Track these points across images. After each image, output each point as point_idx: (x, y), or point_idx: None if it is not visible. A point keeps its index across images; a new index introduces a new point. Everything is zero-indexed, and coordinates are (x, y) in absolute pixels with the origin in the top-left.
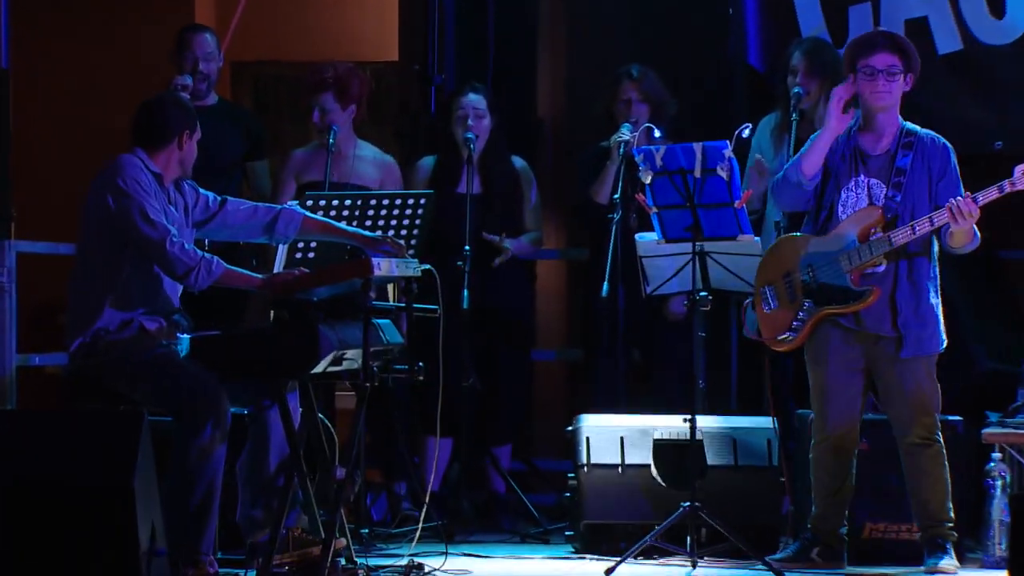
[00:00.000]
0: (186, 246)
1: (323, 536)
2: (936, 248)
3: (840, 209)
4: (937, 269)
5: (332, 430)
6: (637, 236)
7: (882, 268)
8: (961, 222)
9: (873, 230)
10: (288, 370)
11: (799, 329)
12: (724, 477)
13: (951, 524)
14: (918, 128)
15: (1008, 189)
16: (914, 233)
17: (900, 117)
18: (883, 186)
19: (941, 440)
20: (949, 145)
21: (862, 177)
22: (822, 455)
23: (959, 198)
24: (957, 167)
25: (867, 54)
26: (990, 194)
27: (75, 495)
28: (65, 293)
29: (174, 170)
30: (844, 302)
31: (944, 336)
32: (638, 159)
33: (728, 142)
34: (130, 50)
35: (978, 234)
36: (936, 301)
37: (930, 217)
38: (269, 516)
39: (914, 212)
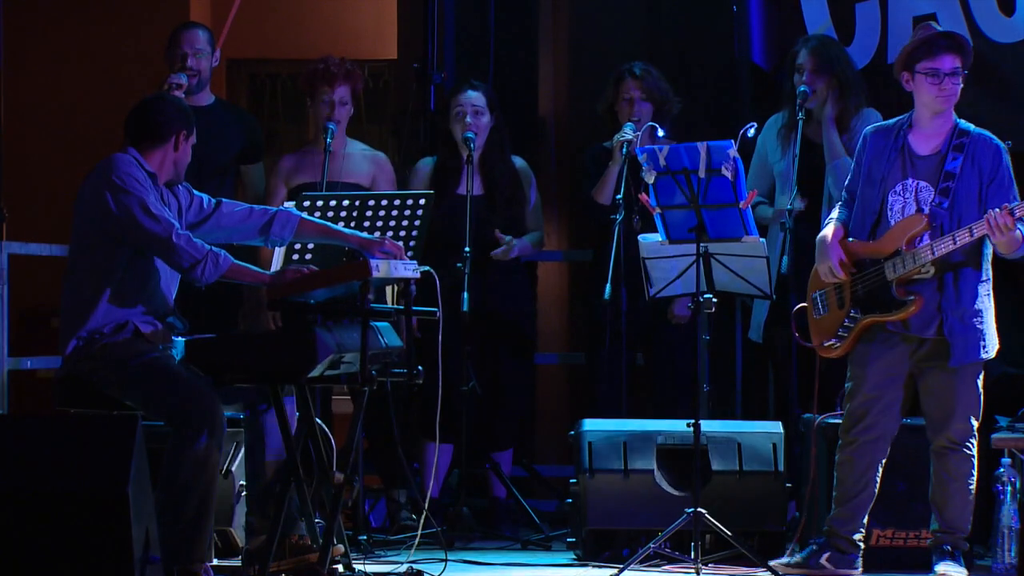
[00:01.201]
0: (193, 239)
1: (320, 543)
2: (989, 250)
3: (889, 214)
4: (990, 272)
5: (330, 435)
6: (640, 237)
7: (929, 273)
8: (999, 235)
9: (918, 238)
10: (285, 374)
11: (844, 337)
12: (728, 482)
13: (965, 535)
14: (971, 126)
15: None
16: (955, 244)
17: (954, 114)
18: (931, 190)
19: (974, 451)
20: (1002, 145)
21: (910, 180)
22: (850, 457)
23: (996, 211)
24: (1010, 168)
25: (932, 56)
26: None
27: (68, 501)
28: (57, 295)
29: (168, 171)
30: (888, 310)
31: (995, 341)
32: (641, 159)
33: (733, 141)
34: (124, 50)
35: None
36: (986, 306)
37: (970, 228)
38: (265, 522)
39: (961, 218)
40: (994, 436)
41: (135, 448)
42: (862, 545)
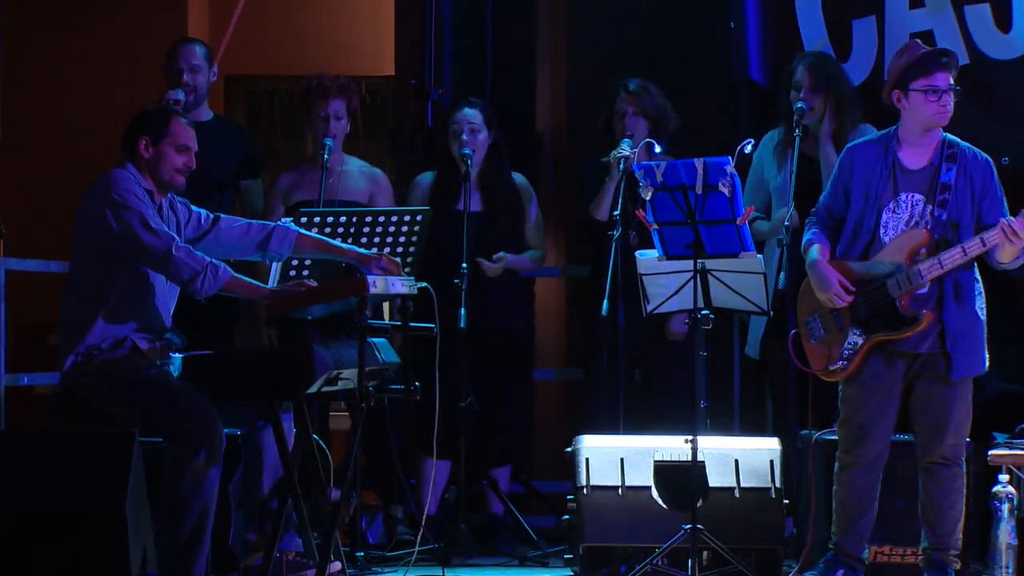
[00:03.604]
0: (193, 251)
1: (317, 559)
2: (977, 270)
3: (883, 231)
4: (981, 284)
5: (327, 451)
6: (637, 253)
7: (926, 288)
8: (1016, 242)
9: (920, 252)
10: (282, 390)
11: (851, 358)
12: (726, 499)
13: (957, 552)
14: (959, 140)
15: None
16: (966, 255)
17: (941, 128)
18: (926, 204)
19: (964, 466)
20: (991, 160)
21: (903, 195)
22: (852, 478)
23: (1011, 219)
24: (999, 183)
25: (928, 74)
26: None
27: (65, 517)
28: (55, 312)
29: (156, 181)
30: (896, 328)
31: (987, 354)
32: (638, 175)
33: (730, 158)
34: (123, 65)
35: None
36: (983, 318)
37: (982, 238)
38: (263, 539)
39: (959, 231)
40: (991, 452)
41: (133, 464)
42: (866, 563)
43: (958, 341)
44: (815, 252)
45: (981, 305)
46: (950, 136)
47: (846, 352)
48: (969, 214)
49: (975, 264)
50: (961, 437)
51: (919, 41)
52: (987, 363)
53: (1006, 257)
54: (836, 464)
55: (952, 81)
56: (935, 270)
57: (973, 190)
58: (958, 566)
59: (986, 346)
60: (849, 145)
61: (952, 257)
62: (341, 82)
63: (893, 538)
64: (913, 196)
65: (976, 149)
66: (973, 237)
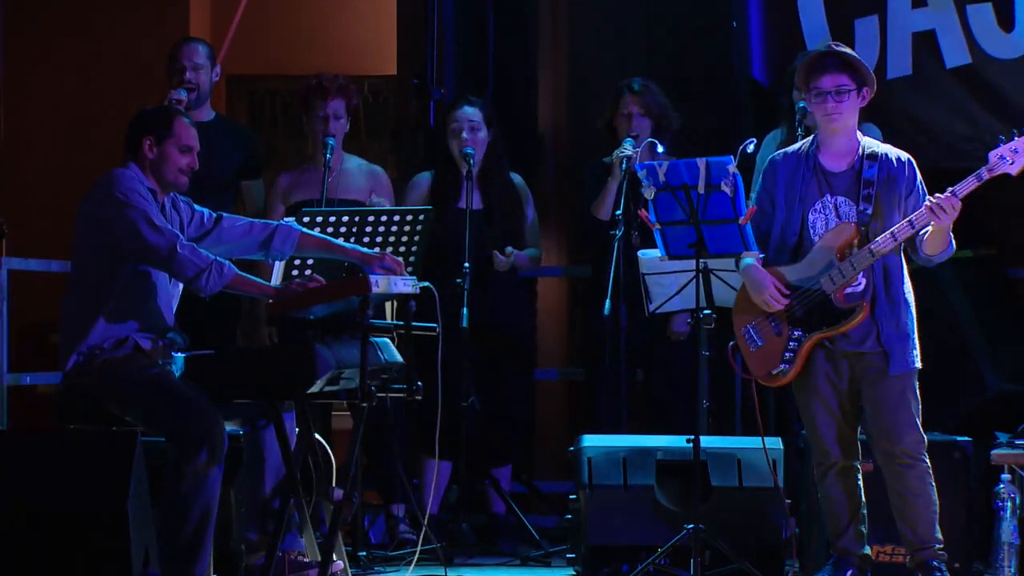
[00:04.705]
0: (197, 248)
1: (319, 559)
2: (905, 268)
3: (811, 232)
4: (911, 290)
5: (329, 451)
6: (640, 253)
7: (861, 285)
8: (944, 218)
9: (851, 247)
10: (284, 390)
11: (792, 360)
12: (728, 498)
13: (941, 545)
14: (877, 144)
15: (986, 176)
16: (895, 239)
17: (859, 134)
18: (851, 203)
19: (927, 460)
20: (912, 159)
21: (828, 197)
22: (834, 482)
23: (937, 195)
24: (922, 180)
25: (815, 76)
26: (969, 184)
27: (67, 518)
28: (57, 311)
29: (159, 180)
30: (834, 323)
31: (918, 351)
32: (641, 174)
33: (733, 157)
34: (125, 65)
35: (953, 241)
36: (913, 318)
37: (910, 220)
38: (265, 538)
39: (885, 224)
40: (994, 452)
41: (134, 464)
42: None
43: (891, 337)
44: (747, 259)
45: (912, 306)
46: (867, 140)
47: (787, 355)
48: (896, 213)
49: (904, 269)
50: (918, 431)
51: (833, 44)
52: (919, 360)
53: (933, 247)
54: (815, 472)
55: (848, 81)
56: (866, 259)
57: (898, 189)
58: (946, 559)
59: (917, 341)
60: (771, 156)
61: (883, 243)
62: (340, 82)
63: (895, 538)
64: (837, 198)
65: (897, 151)
66: (901, 221)
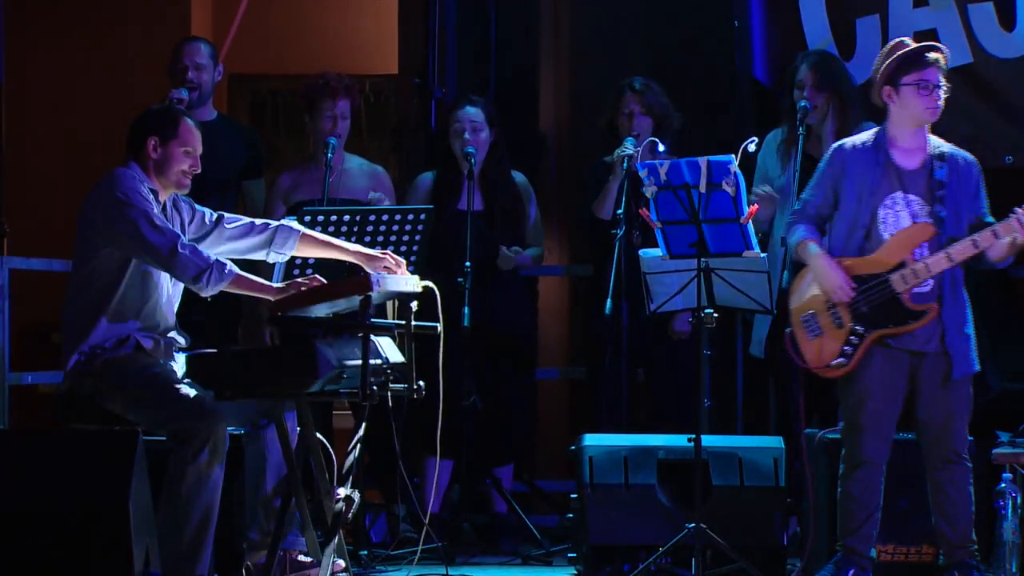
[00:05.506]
0: (198, 248)
1: (321, 558)
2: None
3: (881, 227)
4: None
5: (330, 450)
6: (641, 252)
7: (929, 285)
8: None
9: (920, 248)
10: (286, 389)
11: (851, 354)
12: (729, 498)
13: (976, 546)
14: (943, 143)
15: None
16: (976, 247)
17: (928, 131)
18: (923, 203)
19: (970, 460)
20: (977, 161)
21: (900, 194)
22: (861, 478)
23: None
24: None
25: (920, 69)
26: None
27: (68, 517)
28: (58, 310)
29: (162, 181)
30: (901, 322)
31: (976, 354)
32: (642, 173)
33: (734, 156)
34: (126, 64)
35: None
36: (972, 320)
37: (994, 230)
38: (266, 538)
39: (957, 227)
40: (995, 451)
41: (136, 463)
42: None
43: (955, 340)
44: (815, 247)
45: (970, 307)
46: (935, 137)
47: (847, 349)
48: (964, 213)
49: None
50: (966, 433)
51: (906, 39)
52: (978, 362)
53: (1002, 252)
54: (841, 465)
55: (942, 78)
56: (942, 263)
57: (965, 191)
58: (979, 557)
59: (976, 345)
60: (837, 144)
61: (963, 250)
62: (347, 82)
63: (897, 537)
64: (909, 196)
65: (963, 151)
66: (984, 230)
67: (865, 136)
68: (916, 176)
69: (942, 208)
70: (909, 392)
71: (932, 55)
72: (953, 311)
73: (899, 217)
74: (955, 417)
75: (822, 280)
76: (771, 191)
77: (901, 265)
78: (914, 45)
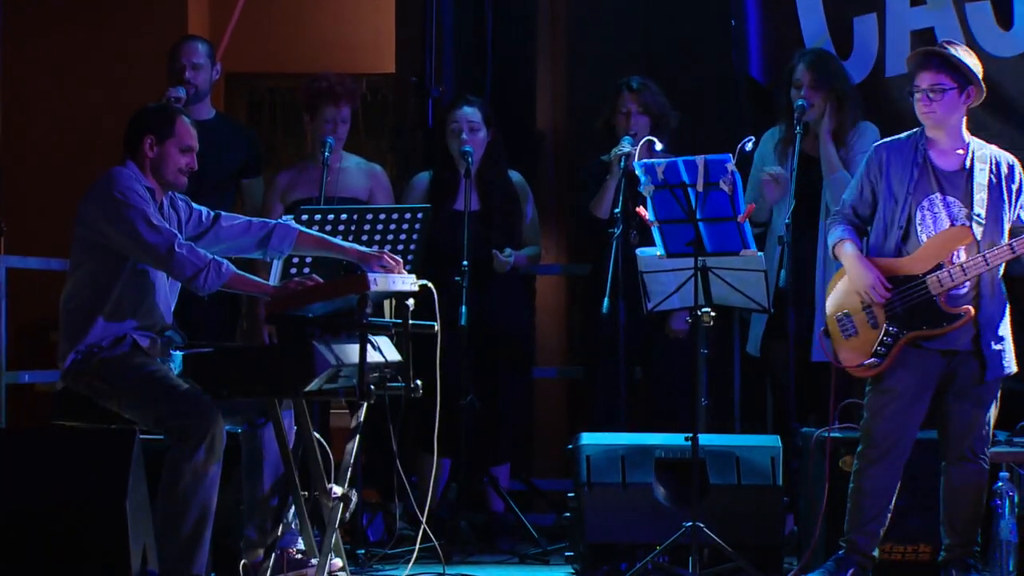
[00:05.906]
0: (195, 248)
1: (318, 557)
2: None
3: (919, 229)
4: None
5: (327, 449)
6: (638, 251)
7: (965, 288)
8: None
9: (958, 250)
10: (283, 387)
11: (884, 355)
12: (727, 496)
13: (977, 548)
14: (984, 145)
15: None
16: (1013, 252)
17: (967, 133)
18: (961, 205)
19: (987, 461)
20: (1017, 163)
21: (938, 195)
22: (875, 477)
23: None
24: None
25: (916, 73)
26: None
27: (65, 516)
28: (56, 309)
29: (159, 180)
30: (936, 324)
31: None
32: (639, 172)
33: (731, 155)
34: (123, 63)
35: None
36: (1008, 322)
37: None
38: (263, 536)
39: (994, 230)
40: (992, 450)
41: (133, 462)
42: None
43: (991, 342)
44: (850, 247)
45: (1007, 308)
46: (976, 141)
47: (880, 349)
48: (1004, 216)
49: (1000, 267)
50: (988, 434)
51: (944, 42)
52: (1014, 363)
53: None
54: (856, 461)
55: (946, 80)
56: (980, 267)
57: (1006, 194)
58: (978, 557)
59: (1011, 344)
60: (877, 144)
61: (1000, 255)
62: (350, 87)
63: (895, 536)
64: (947, 198)
65: (1003, 152)
66: (1022, 236)
67: (905, 134)
68: (955, 178)
69: (981, 211)
70: (937, 389)
71: (924, 59)
72: (991, 312)
73: (937, 219)
74: (980, 416)
75: (857, 280)
76: (782, 171)
77: (938, 267)
78: (922, 49)
